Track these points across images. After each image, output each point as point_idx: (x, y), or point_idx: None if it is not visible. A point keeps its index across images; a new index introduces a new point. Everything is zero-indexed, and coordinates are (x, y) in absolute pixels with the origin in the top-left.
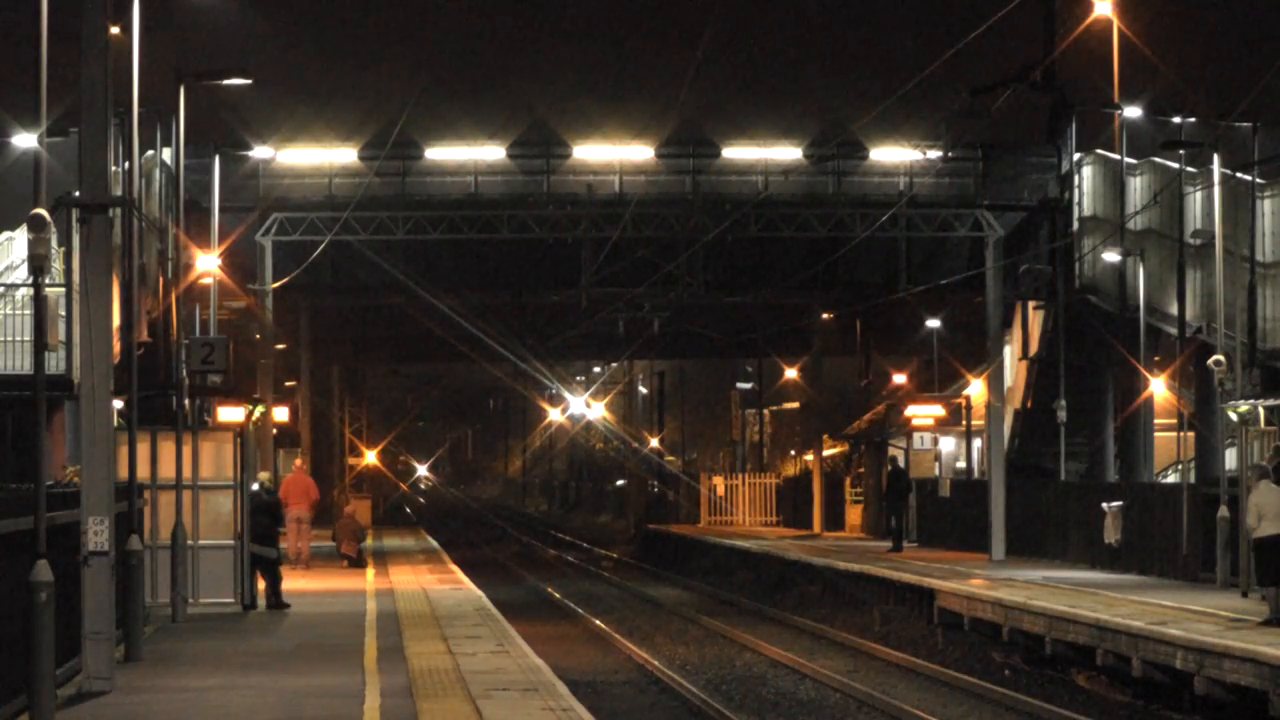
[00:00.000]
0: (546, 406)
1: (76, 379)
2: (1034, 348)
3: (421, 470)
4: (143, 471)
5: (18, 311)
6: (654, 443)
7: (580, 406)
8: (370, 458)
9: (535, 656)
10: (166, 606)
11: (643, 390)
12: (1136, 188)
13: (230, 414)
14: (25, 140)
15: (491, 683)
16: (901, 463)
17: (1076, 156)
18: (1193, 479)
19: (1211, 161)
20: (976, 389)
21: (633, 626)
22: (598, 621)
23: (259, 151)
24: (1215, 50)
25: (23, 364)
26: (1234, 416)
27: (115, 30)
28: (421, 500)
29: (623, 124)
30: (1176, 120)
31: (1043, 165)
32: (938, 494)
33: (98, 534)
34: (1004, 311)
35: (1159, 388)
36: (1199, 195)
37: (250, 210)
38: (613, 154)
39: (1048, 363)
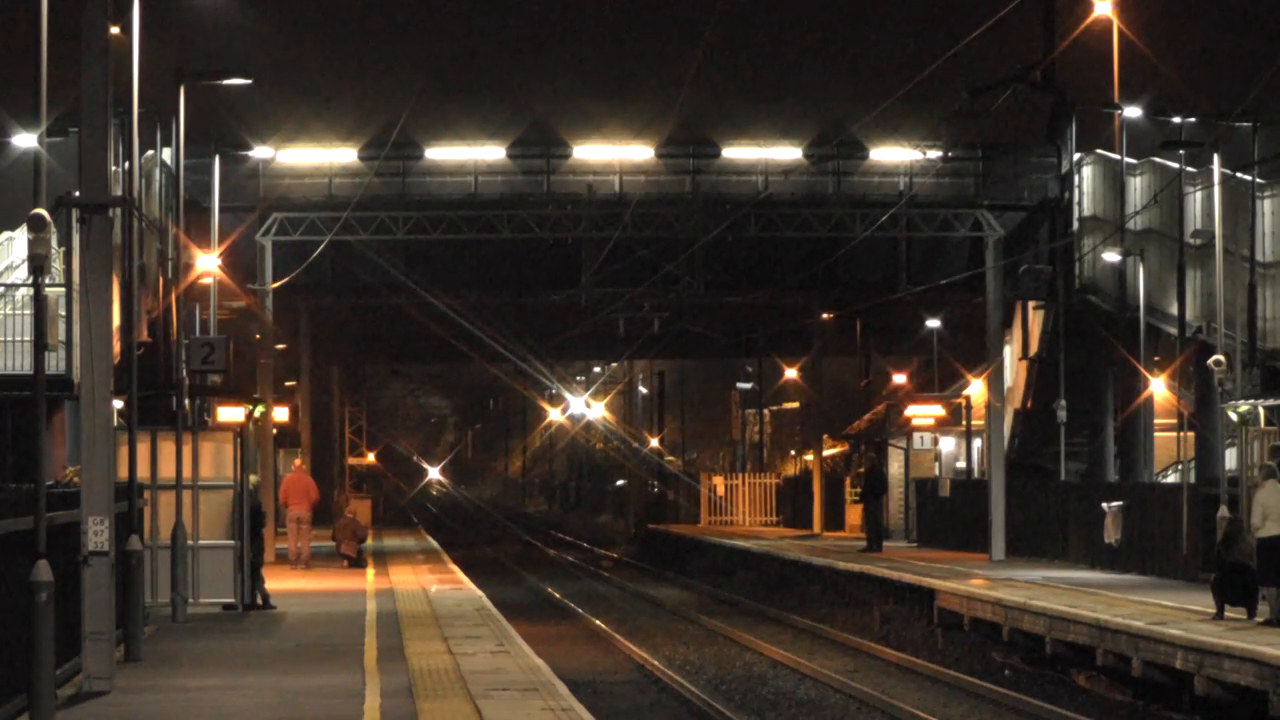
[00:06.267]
0: (546, 406)
1: (76, 379)
2: (1034, 348)
3: (433, 473)
4: (143, 471)
5: (18, 311)
6: (654, 443)
7: (580, 406)
8: (370, 458)
9: (535, 656)
10: (166, 606)
11: (643, 390)
12: (1136, 188)
13: (230, 414)
14: (25, 140)
15: (491, 683)
16: (879, 463)
17: (1076, 156)
18: (1193, 479)
19: (1211, 161)
20: (976, 389)
21: (633, 626)
22: (598, 621)
23: (259, 151)
24: (1215, 50)
25: (23, 364)
26: (1234, 416)
27: (115, 30)
28: (432, 508)
29: (623, 124)
30: (1176, 120)
31: (1043, 165)
32: (938, 494)
33: (98, 534)
34: (1004, 311)
35: (1159, 388)
36: (1199, 195)
37: (250, 210)
38: (613, 154)
39: (1048, 363)
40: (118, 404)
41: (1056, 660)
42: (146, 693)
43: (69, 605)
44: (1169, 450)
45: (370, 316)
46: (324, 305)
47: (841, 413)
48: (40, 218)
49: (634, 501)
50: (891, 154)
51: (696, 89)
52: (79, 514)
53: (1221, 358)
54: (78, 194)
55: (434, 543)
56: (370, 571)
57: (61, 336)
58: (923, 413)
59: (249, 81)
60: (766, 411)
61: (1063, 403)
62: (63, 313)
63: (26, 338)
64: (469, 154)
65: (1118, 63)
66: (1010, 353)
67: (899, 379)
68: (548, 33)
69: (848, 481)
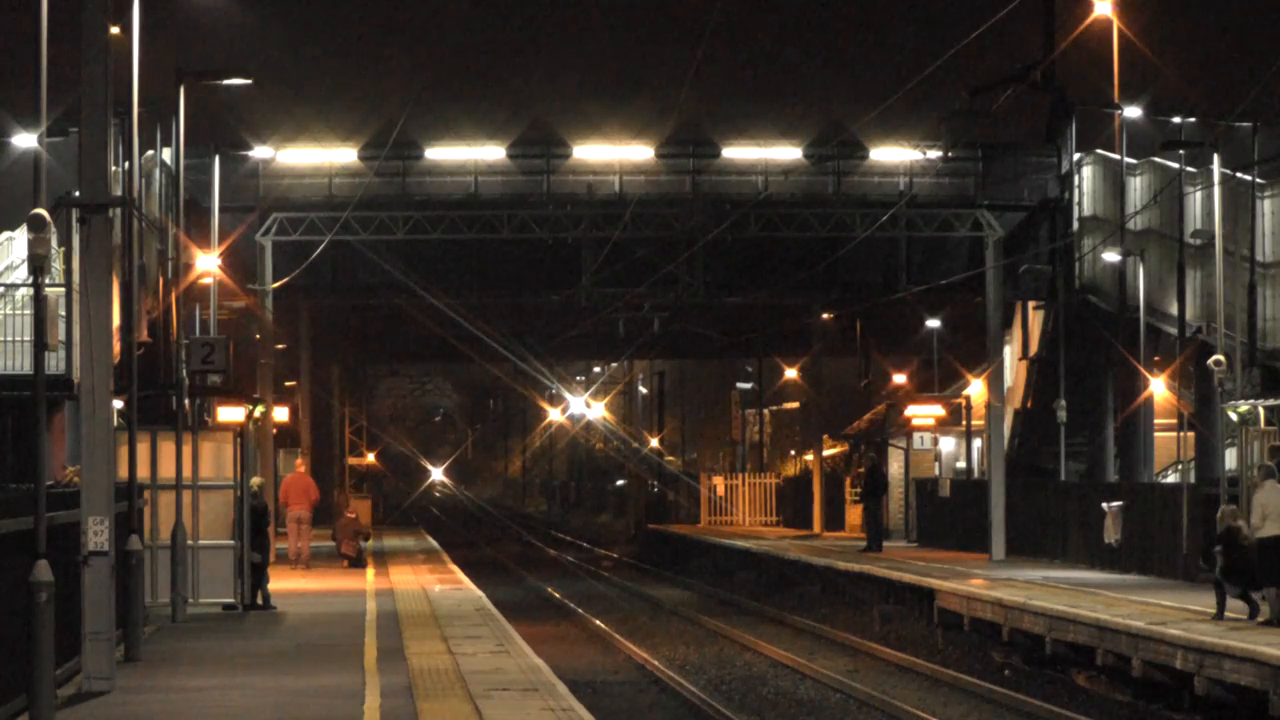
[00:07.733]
0: (546, 406)
1: (76, 379)
2: (1034, 348)
3: (436, 474)
4: (143, 471)
5: (18, 311)
6: (654, 443)
7: (580, 406)
8: (370, 459)
9: (535, 656)
10: (166, 606)
11: (643, 390)
12: (1136, 188)
13: (230, 414)
14: (25, 140)
15: (491, 683)
16: (879, 463)
17: (1076, 156)
18: (1193, 479)
19: (1211, 161)
20: (976, 389)
21: (633, 626)
22: (598, 621)
23: (259, 151)
24: (1215, 50)
25: (23, 364)
26: (1234, 416)
27: (115, 30)
28: (433, 509)
29: (623, 124)
30: (1176, 120)
31: (1043, 165)
32: (938, 494)
33: (98, 534)
34: (1004, 311)
35: (1159, 388)
36: (1199, 195)
37: (250, 210)
38: (613, 154)
39: (1048, 363)
40: (118, 404)
41: (1056, 660)
42: (146, 693)
43: (69, 605)
44: (1169, 450)
45: (370, 316)
46: (324, 305)
47: (841, 413)
48: (40, 218)
49: (634, 501)
50: (891, 154)
51: (696, 89)
52: (79, 514)
53: (1221, 358)
54: (78, 194)
55: (434, 543)
56: (370, 571)
57: (61, 336)
58: (923, 413)
59: (249, 81)
60: (766, 411)
61: (1063, 403)
62: (63, 313)
63: (26, 338)
64: (469, 154)
65: (1118, 63)
66: (1010, 353)
67: (899, 379)
68: (548, 33)
69: (848, 481)
